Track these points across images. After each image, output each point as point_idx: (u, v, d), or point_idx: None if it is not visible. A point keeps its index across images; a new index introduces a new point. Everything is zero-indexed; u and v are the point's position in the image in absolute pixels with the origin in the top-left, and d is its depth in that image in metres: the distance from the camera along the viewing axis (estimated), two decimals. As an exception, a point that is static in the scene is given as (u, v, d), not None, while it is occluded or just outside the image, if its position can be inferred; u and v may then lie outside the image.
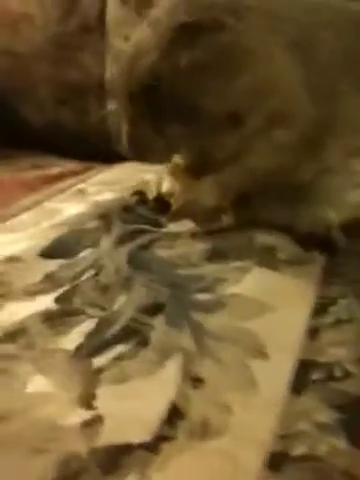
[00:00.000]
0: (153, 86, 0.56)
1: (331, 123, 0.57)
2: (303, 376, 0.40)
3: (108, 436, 0.35)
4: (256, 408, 0.37)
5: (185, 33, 0.55)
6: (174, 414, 0.36)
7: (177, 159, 0.67)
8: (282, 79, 0.56)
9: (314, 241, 0.59)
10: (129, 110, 0.59)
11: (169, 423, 0.36)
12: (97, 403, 0.38)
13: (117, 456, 0.33)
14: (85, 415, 0.37)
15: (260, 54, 0.55)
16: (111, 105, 0.97)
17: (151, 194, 0.70)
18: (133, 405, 0.37)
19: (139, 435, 0.35)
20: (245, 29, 0.55)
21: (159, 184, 0.70)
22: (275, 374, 0.40)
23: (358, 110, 0.58)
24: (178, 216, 0.64)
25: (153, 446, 0.34)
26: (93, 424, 0.36)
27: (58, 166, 0.96)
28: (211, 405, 0.37)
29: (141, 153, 0.61)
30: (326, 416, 0.36)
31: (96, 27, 0.96)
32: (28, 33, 1.02)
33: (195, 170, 0.63)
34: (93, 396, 0.38)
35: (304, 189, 0.59)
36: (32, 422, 0.36)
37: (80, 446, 0.34)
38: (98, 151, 1.01)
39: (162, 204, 0.68)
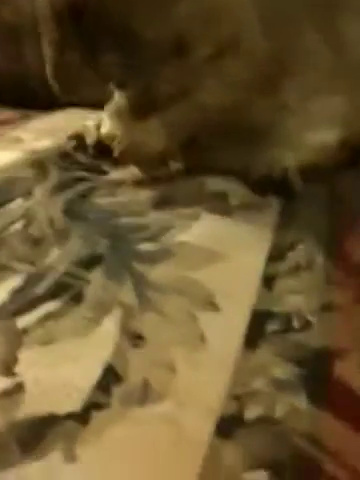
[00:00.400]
0: (81, 3, 0.48)
1: (287, 59, 0.51)
2: (258, 328, 0.35)
3: (30, 407, 0.29)
4: (204, 366, 0.32)
5: None
6: (109, 378, 0.31)
7: (118, 99, 0.60)
8: (232, 4, 0.50)
9: (269, 185, 0.54)
10: (54, 33, 0.52)
11: (102, 388, 0.30)
12: (18, 369, 0.32)
13: (40, 429, 0.28)
14: (4, 383, 0.31)
15: None
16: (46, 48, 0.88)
17: (90, 138, 0.63)
18: (61, 370, 0.32)
19: (66, 404, 0.29)
20: None
21: (98, 127, 0.63)
22: (226, 327, 0.35)
23: (317, 47, 0.53)
24: (121, 161, 0.58)
25: (82, 416, 0.29)
26: (13, 393, 0.30)
27: (-8, 115, 0.88)
28: (152, 365, 0.32)
29: (69, 84, 0.54)
30: (284, 372, 0.31)
31: None
32: None
33: (139, 110, 0.56)
34: (14, 361, 0.33)
35: (258, 130, 0.53)
36: None
37: (-4, 420, 0.29)
38: (35, 98, 0.92)
39: (102, 149, 0.61)
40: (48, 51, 0.52)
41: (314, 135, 0.54)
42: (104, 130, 0.59)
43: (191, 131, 0.54)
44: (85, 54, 0.51)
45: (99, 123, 0.62)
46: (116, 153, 0.56)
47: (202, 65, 0.50)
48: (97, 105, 0.87)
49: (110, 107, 0.59)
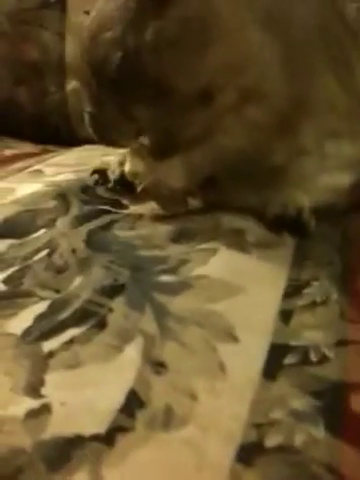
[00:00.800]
0: (118, 64, 0.51)
1: (305, 102, 0.54)
2: (276, 360, 0.36)
3: (56, 427, 0.30)
4: (225, 394, 0.33)
5: (152, 2, 0.51)
6: (133, 402, 0.32)
7: (142, 139, 0.62)
8: (255, 54, 0.52)
9: (284, 224, 0.55)
10: (92, 89, 0.54)
11: (127, 412, 0.31)
12: (45, 391, 0.33)
13: (66, 449, 0.29)
14: (31, 404, 0.32)
15: (232, 26, 0.51)
16: (71, 85, 0.92)
17: (112, 174, 0.66)
18: (86, 393, 0.33)
19: (92, 426, 0.30)
20: (215, 0, 0.52)
21: (121, 164, 0.65)
22: (245, 358, 0.36)
23: (333, 89, 0.56)
24: (142, 197, 0.59)
25: (108, 438, 0.30)
26: (40, 414, 0.31)
27: (13, 148, 0.91)
28: (175, 391, 0.33)
29: (106, 136, 0.56)
30: (302, 403, 0.32)
31: (55, 3, 0.91)
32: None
33: (161, 149, 0.59)
34: (41, 383, 0.34)
35: (275, 171, 0.55)
36: (-32, 412, 0.31)
37: (24, 439, 0.30)
38: (57, 134, 0.96)
39: (124, 185, 0.63)
40: (86, 106, 0.55)
41: (329, 177, 0.56)
42: (127, 167, 0.61)
43: (210, 171, 0.56)
44: (121, 108, 0.53)
45: (123, 159, 0.65)
46: (139, 189, 0.57)
47: (224, 111, 0.53)
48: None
49: (134, 146, 0.62)
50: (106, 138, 0.57)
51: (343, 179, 0.58)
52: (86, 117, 0.56)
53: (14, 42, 0.94)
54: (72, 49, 0.90)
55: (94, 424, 0.31)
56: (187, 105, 0.53)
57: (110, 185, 0.65)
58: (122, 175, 0.64)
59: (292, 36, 0.53)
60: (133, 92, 0.52)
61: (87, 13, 0.88)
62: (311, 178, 0.56)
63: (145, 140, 0.57)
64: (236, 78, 0.52)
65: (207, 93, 0.52)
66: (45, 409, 0.32)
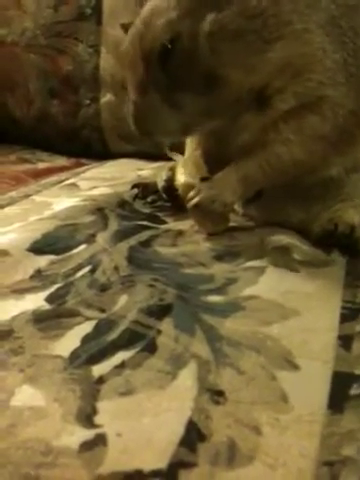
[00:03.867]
0: (169, 48, 0.49)
1: None
2: (341, 390, 0.34)
3: (114, 461, 0.29)
4: (290, 428, 0.31)
5: None
6: (193, 434, 0.30)
7: (194, 149, 0.60)
8: (318, 58, 0.50)
9: (334, 241, 0.53)
10: (138, 74, 0.51)
11: (188, 445, 0.29)
12: (99, 419, 0.31)
13: (126, 486, 0.27)
14: (85, 434, 0.30)
15: (296, 27, 0.49)
16: (105, 98, 0.91)
17: (161, 180, 0.63)
18: (143, 423, 0.31)
19: (151, 460, 0.29)
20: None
21: (171, 169, 0.62)
22: (308, 387, 0.34)
23: None
24: (192, 213, 0.56)
25: (169, 474, 0.28)
26: (95, 446, 0.29)
27: (46, 162, 0.90)
28: (237, 424, 0.31)
29: (149, 126, 0.52)
30: (374, 439, 0.30)
31: (91, 15, 0.91)
32: (18, 21, 0.96)
33: (214, 157, 0.56)
34: (94, 411, 0.32)
35: (327, 186, 0.53)
36: (20, 443, 0.29)
37: (80, 473, 0.28)
38: (89, 147, 0.95)
39: (170, 194, 0.61)
40: (130, 92, 0.52)
41: None
42: (182, 178, 0.58)
43: (265, 184, 0.54)
44: (168, 95, 0.51)
45: (173, 166, 0.62)
46: (189, 205, 0.54)
47: (282, 118, 0.51)
48: (148, 157, 0.89)
49: (186, 156, 0.60)
50: (149, 129, 0.53)
51: None
52: (129, 108, 0.53)
53: (48, 55, 0.93)
54: (107, 62, 0.89)
55: (154, 458, 0.29)
56: (242, 105, 0.51)
57: (150, 198, 0.64)
58: (170, 183, 0.61)
59: (358, 46, 0.51)
60: (182, 78, 0.50)
61: (123, 26, 0.87)
62: None
63: (198, 152, 0.55)
64: (296, 82, 0.50)
65: (263, 94, 0.51)
66: (100, 440, 0.30)
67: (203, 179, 0.55)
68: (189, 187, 0.55)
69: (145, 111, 0.52)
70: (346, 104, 0.50)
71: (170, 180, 0.61)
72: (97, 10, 0.90)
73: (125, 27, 0.87)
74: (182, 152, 0.63)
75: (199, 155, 0.58)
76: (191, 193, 0.53)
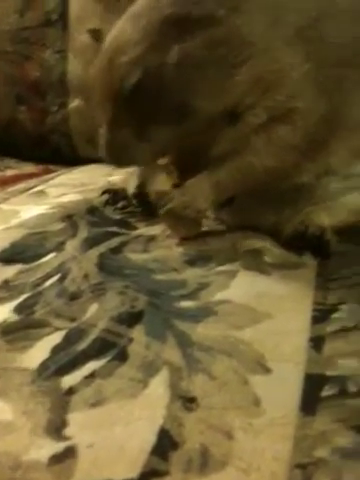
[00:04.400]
0: (137, 85, 0.49)
1: (336, 121, 0.53)
2: (313, 392, 0.34)
3: (84, 473, 0.28)
4: (263, 433, 0.31)
5: (174, 25, 0.49)
6: (165, 442, 0.30)
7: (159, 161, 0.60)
8: (285, 73, 0.51)
9: (305, 244, 0.53)
10: (108, 113, 0.52)
11: (160, 454, 0.29)
12: (69, 431, 0.31)
13: (97, 499, 0.26)
14: (55, 447, 0.29)
15: (260, 47, 0.50)
16: (73, 104, 0.90)
17: (131, 187, 0.63)
18: (114, 433, 0.30)
19: (123, 470, 0.28)
20: (242, 22, 0.50)
21: (140, 177, 0.62)
22: (280, 391, 0.34)
23: None
24: (164, 220, 0.56)
25: (142, 484, 0.27)
26: (65, 458, 0.29)
27: (14, 169, 0.89)
28: (209, 430, 0.31)
29: (121, 159, 0.54)
30: (347, 439, 0.30)
31: (57, 21, 0.90)
32: (-18, 27, 0.95)
33: (187, 168, 0.56)
34: (63, 423, 0.31)
35: (298, 190, 0.54)
36: (-13, 459, 0.29)
37: (49, 488, 0.27)
38: (58, 153, 0.94)
39: (142, 201, 0.60)
40: (101, 130, 0.53)
41: (352, 198, 0.55)
42: (153, 186, 0.58)
43: (236, 190, 0.54)
44: (138, 130, 0.51)
45: (142, 173, 0.62)
46: (161, 211, 0.54)
47: (253, 131, 0.51)
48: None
49: (157, 165, 0.59)
50: (121, 161, 0.55)
51: None
52: (101, 142, 0.54)
53: (15, 61, 0.92)
54: (74, 67, 0.88)
55: (125, 468, 0.28)
56: (213, 126, 0.51)
57: (120, 204, 0.63)
58: (141, 190, 0.61)
59: (325, 55, 0.52)
60: (151, 112, 0.50)
61: (90, 32, 0.87)
62: (334, 198, 0.55)
63: (163, 161, 0.55)
64: (265, 98, 0.51)
65: (234, 113, 0.51)
66: (71, 452, 0.29)
67: (175, 186, 0.55)
68: (161, 194, 0.54)
69: (116, 146, 0.53)
70: (317, 110, 0.51)
71: (141, 187, 0.61)
72: (63, 16, 0.89)
73: (92, 33, 0.87)
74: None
75: (169, 162, 0.58)
76: (164, 199, 0.53)
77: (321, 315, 0.43)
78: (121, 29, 0.52)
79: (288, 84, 0.50)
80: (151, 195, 0.56)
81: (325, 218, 0.54)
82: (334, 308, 0.44)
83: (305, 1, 0.53)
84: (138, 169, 0.63)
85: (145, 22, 0.50)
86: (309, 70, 0.50)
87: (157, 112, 0.50)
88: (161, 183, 0.55)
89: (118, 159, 0.54)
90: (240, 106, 0.51)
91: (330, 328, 0.41)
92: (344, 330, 0.40)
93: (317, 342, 0.39)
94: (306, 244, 0.53)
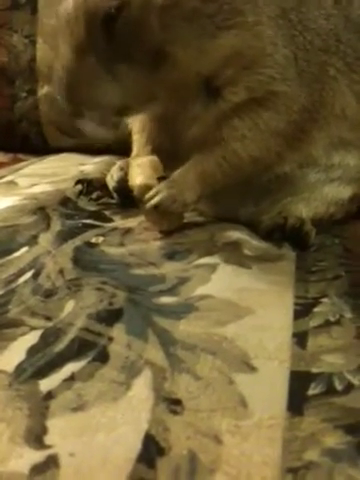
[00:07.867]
0: (119, 8, 0.46)
1: (318, 109, 0.52)
2: (299, 391, 0.33)
3: (67, 484, 0.27)
4: (251, 435, 0.30)
5: None
6: (151, 449, 0.29)
7: (144, 149, 0.58)
8: (269, 51, 0.50)
9: (283, 235, 0.53)
10: (76, 37, 0.47)
11: (146, 461, 0.28)
12: (50, 439, 0.29)
13: (82, 512, 0.25)
14: (35, 457, 0.28)
15: (248, 19, 0.49)
16: (43, 91, 0.87)
17: (111, 181, 0.61)
18: (97, 440, 0.29)
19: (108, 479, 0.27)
20: None
21: (121, 169, 0.60)
22: (266, 390, 0.33)
23: (346, 97, 0.53)
24: (148, 214, 0.53)
25: (129, 495, 0.26)
26: (47, 469, 0.27)
27: (-19, 158, 0.86)
28: (196, 435, 0.30)
29: (82, 97, 0.48)
30: (336, 440, 0.30)
31: (25, 4, 0.86)
32: None
33: (169, 152, 0.54)
34: (43, 430, 0.30)
35: (278, 181, 0.53)
36: None
37: (30, 501, 0.26)
38: (27, 142, 0.91)
39: (124, 195, 0.58)
40: (62, 56, 0.48)
41: (331, 189, 0.54)
42: (138, 180, 0.54)
43: (222, 181, 0.52)
44: (107, 63, 0.47)
45: (124, 165, 0.59)
46: (147, 206, 0.51)
47: (236, 114, 0.50)
48: (89, 151, 0.87)
49: (135, 152, 0.57)
50: (80, 99, 0.49)
51: (345, 192, 0.56)
52: (58, 73, 0.49)
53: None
54: (43, 53, 0.85)
55: (110, 478, 0.27)
56: (187, 92, 0.49)
57: (95, 195, 0.61)
58: (123, 184, 0.58)
59: (308, 40, 0.51)
60: (125, 48, 0.47)
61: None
62: (314, 189, 0.54)
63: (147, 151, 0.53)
64: (246, 74, 0.49)
65: (213, 85, 0.49)
66: (52, 462, 0.28)
67: (160, 178, 0.53)
68: (146, 188, 0.52)
69: (79, 77, 0.48)
70: (299, 97, 0.50)
71: (123, 181, 0.58)
72: (31, -1, 0.86)
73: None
74: (128, 149, 0.61)
75: (150, 151, 0.56)
76: (150, 193, 0.51)
77: (303, 309, 0.42)
78: None
79: (270, 65, 0.49)
80: (133, 189, 0.53)
81: (303, 209, 0.53)
82: (316, 301, 0.43)
83: None
84: (120, 162, 0.61)
85: None
86: (293, 55, 0.49)
87: (131, 50, 0.47)
88: (145, 177, 0.53)
89: (78, 95, 0.48)
90: (219, 79, 0.49)
91: (313, 323, 0.40)
92: (327, 324, 0.40)
93: (301, 338, 0.38)
94: (285, 235, 0.52)
